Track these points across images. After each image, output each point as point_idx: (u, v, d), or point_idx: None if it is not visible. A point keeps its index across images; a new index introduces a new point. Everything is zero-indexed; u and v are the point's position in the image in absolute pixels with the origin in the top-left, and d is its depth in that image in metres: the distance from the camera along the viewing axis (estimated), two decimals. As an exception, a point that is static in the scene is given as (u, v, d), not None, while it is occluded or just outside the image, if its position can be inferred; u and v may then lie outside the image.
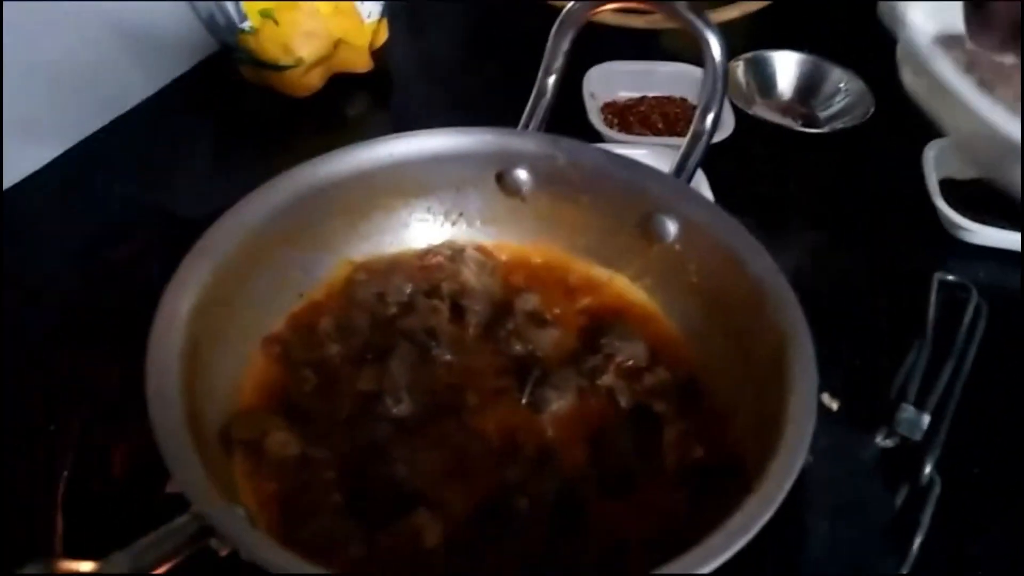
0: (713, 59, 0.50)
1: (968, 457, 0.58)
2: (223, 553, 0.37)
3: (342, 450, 0.45)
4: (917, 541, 0.52)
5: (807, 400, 0.39)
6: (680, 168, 0.52)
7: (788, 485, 0.36)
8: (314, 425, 0.46)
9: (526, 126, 0.55)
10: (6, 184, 0.67)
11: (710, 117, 0.51)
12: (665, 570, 0.34)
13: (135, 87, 0.79)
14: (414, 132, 0.53)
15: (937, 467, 0.56)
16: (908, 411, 0.60)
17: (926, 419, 0.60)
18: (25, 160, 0.69)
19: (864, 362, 0.62)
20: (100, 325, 0.56)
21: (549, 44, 0.54)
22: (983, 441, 0.59)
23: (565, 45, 0.54)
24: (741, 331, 0.47)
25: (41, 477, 0.48)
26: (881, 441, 0.57)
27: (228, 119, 0.83)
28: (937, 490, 0.55)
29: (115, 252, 0.60)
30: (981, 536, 0.55)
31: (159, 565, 0.32)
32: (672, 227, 0.51)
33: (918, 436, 0.59)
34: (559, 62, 0.54)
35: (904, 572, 0.49)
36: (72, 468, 0.47)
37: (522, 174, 0.54)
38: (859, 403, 0.58)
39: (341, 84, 0.86)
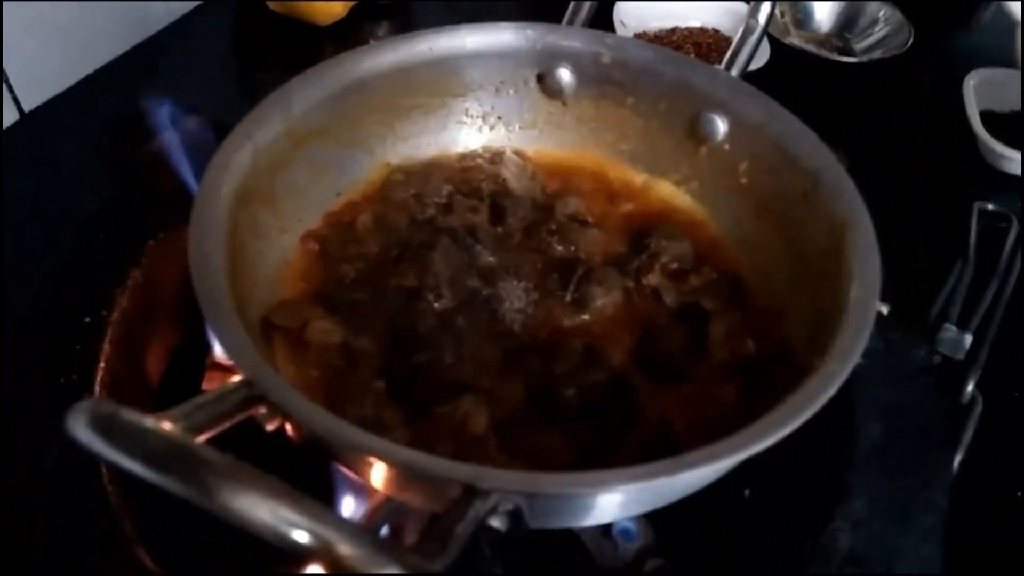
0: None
1: (1009, 378, 0.57)
2: (269, 427, 0.36)
3: (384, 339, 0.43)
4: (958, 459, 0.51)
5: (870, 283, 0.38)
6: (730, 63, 0.50)
7: (852, 364, 0.35)
8: (355, 316, 0.45)
9: (569, 24, 0.53)
10: (32, 104, 0.67)
11: (764, 8, 0.49)
12: (719, 446, 0.33)
13: (157, 12, 0.78)
14: (455, 26, 0.51)
15: (979, 386, 0.55)
16: (951, 331, 0.59)
17: (968, 339, 0.59)
18: (46, 84, 0.68)
19: (907, 281, 0.61)
20: (133, 219, 0.55)
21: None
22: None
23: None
24: (794, 228, 0.46)
25: (77, 370, 0.47)
26: (929, 357, 0.56)
27: (251, 46, 0.82)
28: (979, 409, 0.54)
29: (142, 153, 0.59)
30: (1021, 455, 0.54)
31: (208, 427, 0.31)
32: (722, 125, 0.50)
33: (960, 356, 0.58)
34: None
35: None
36: (108, 361, 0.47)
37: (565, 74, 0.53)
38: (907, 315, 0.57)
39: (364, 12, 0.85)
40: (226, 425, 0.33)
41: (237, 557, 0.38)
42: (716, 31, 0.87)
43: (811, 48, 0.86)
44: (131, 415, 0.25)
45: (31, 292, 0.53)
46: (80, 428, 0.25)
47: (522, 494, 0.31)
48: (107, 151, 0.66)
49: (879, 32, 0.88)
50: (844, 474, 0.45)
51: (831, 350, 0.36)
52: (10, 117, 0.66)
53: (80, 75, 0.71)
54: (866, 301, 0.37)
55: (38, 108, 0.68)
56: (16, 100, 0.67)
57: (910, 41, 0.85)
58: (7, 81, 0.65)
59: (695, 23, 0.88)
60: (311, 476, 0.42)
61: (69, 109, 0.69)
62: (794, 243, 0.45)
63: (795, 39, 0.87)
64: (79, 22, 0.69)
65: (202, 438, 0.31)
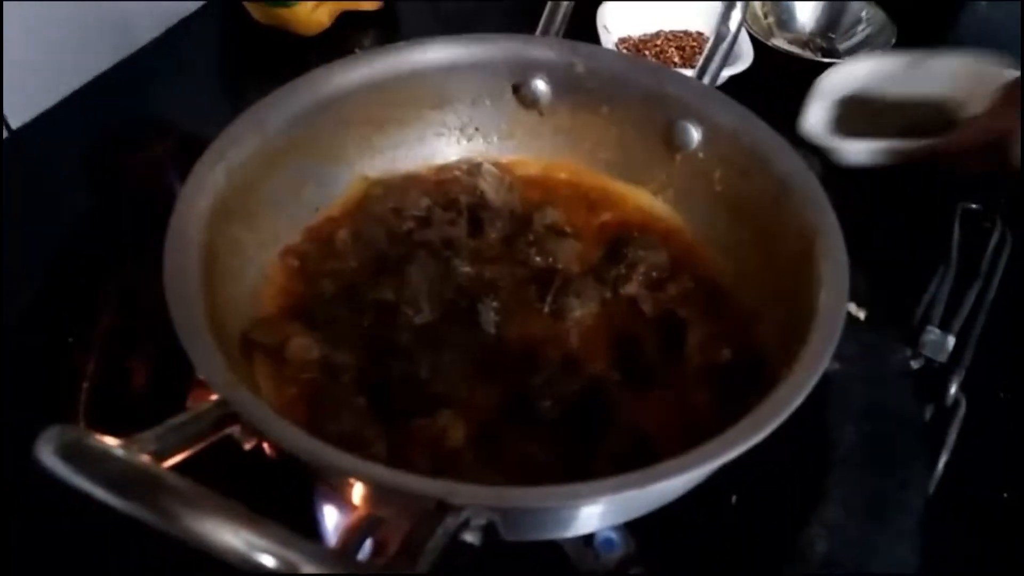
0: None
1: (993, 380, 0.58)
2: (247, 447, 0.36)
3: (363, 354, 0.44)
4: (942, 461, 0.51)
5: (838, 289, 0.38)
6: (702, 71, 0.51)
7: (819, 371, 0.36)
8: (334, 332, 0.45)
9: (543, 34, 0.53)
10: (18, 123, 0.68)
11: (735, 15, 0.49)
12: (691, 455, 0.34)
13: (143, 27, 0.78)
14: (429, 39, 0.51)
15: (962, 388, 0.56)
16: (933, 333, 0.59)
17: (951, 341, 0.59)
18: (36, 100, 0.69)
19: (889, 284, 0.62)
20: (116, 236, 0.56)
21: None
22: (1008, 364, 0.59)
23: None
24: (767, 234, 0.46)
25: (63, 390, 0.47)
26: (907, 361, 0.56)
27: (236, 58, 0.82)
28: (962, 411, 0.54)
29: (127, 164, 0.59)
30: (1006, 457, 0.54)
31: (182, 448, 0.32)
32: (696, 133, 0.50)
33: (943, 358, 0.58)
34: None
35: (929, 493, 0.48)
36: (92, 379, 0.47)
37: (540, 84, 0.53)
38: (885, 319, 0.57)
39: (349, 22, 0.85)
40: (201, 445, 0.33)
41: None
42: (700, 34, 0.88)
43: (795, 49, 0.86)
44: (97, 441, 0.26)
45: (16, 309, 0.53)
46: (47, 455, 0.25)
47: (494, 509, 0.31)
48: (93, 167, 0.66)
49: (862, 32, 0.88)
50: (821, 478, 0.45)
51: (800, 358, 0.36)
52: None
53: (67, 91, 0.72)
54: (834, 308, 0.38)
55: (25, 126, 0.68)
56: (3, 118, 0.67)
57: (893, 40, 0.85)
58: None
59: (679, 27, 0.88)
60: (294, 491, 0.43)
61: (56, 125, 0.69)
62: (768, 250, 0.46)
63: (778, 40, 0.87)
64: (66, 37, 0.70)
65: (176, 459, 0.31)
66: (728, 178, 0.49)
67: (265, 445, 0.37)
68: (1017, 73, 0.68)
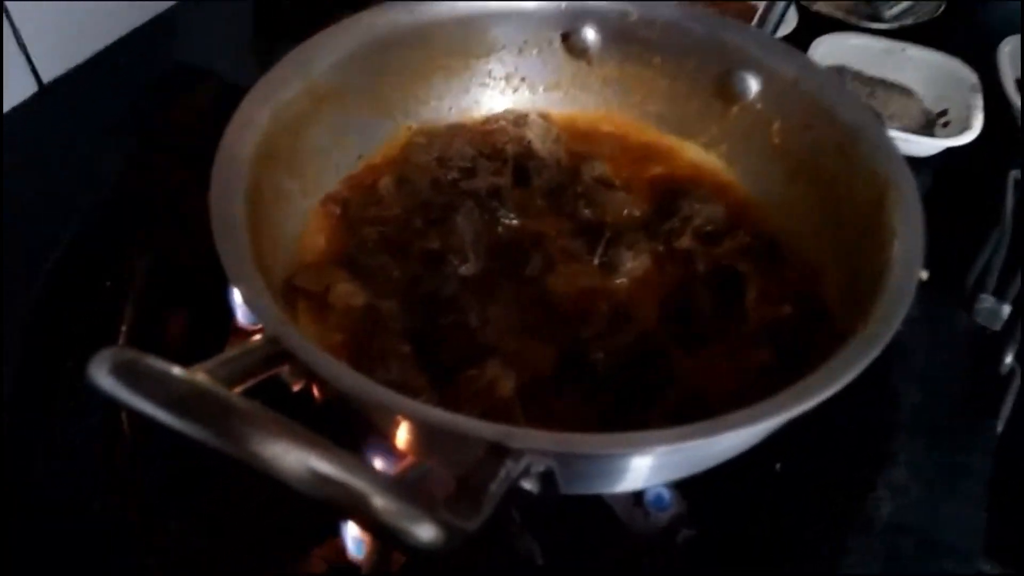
0: None
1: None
2: (295, 388, 0.35)
3: (409, 303, 0.42)
4: (998, 430, 0.49)
5: (914, 239, 0.37)
6: (761, 22, 0.49)
7: (895, 327, 0.34)
8: (378, 279, 0.44)
9: (596, -18, 0.52)
10: (49, 77, 0.67)
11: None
12: (758, 408, 0.32)
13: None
14: (477, -16, 0.50)
15: (1017, 358, 0.54)
16: (988, 301, 0.57)
17: (1006, 309, 0.57)
18: (66, 55, 0.68)
19: (941, 249, 0.60)
20: (154, 183, 0.55)
21: None
22: (1064, 333, 0.57)
23: None
24: (831, 187, 0.44)
25: (99, 335, 0.46)
26: (970, 325, 0.54)
27: (271, 13, 0.81)
28: (1017, 380, 0.53)
29: (166, 112, 0.58)
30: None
31: (234, 383, 0.30)
32: (754, 84, 0.48)
33: (997, 326, 0.56)
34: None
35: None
36: (131, 323, 0.46)
37: (590, 33, 0.51)
38: (944, 284, 0.55)
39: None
40: (251, 382, 0.32)
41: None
42: (742, -3, 0.85)
43: (839, 15, 0.83)
44: (156, 362, 0.24)
45: (54, 257, 0.52)
46: (102, 375, 0.24)
47: (554, 455, 0.30)
48: (129, 118, 0.65)
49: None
50: (884, 442, 0.43)
51: (873, 312, 0.34)
52: (29, 88, 0.65)
53: (99, 46, 0.71)
54: (910, 261, 0.36)
55: (57, 79, 0.67)
56: (35, 71, 0.66)
57: (942, 7, 0.82)
58: (26, 52, 0.65)
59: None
60: (340, 438, 0.41)
61: (91, 79, 0.68)
62: (830, 203, 0.44)
63: (823, 5, 0.85)
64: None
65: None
66: (788, 130, 0.47)
67: (314, 388, 0.35)
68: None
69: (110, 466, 0.45)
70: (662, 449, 0.31)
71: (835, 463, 0.44)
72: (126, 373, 0.24)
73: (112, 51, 0.71)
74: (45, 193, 0.59)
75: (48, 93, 0.67)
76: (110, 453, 0.46)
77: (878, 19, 0.85)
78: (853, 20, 0.83)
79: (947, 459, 0.43)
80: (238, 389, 0.31)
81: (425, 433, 0.33)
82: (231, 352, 0.31)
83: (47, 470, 0.45)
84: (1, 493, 0.43)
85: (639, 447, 0.31)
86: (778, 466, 0.46)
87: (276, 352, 0.32)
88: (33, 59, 0.66)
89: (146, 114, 0.62)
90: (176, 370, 0.25)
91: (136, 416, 0.45)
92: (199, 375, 0.26)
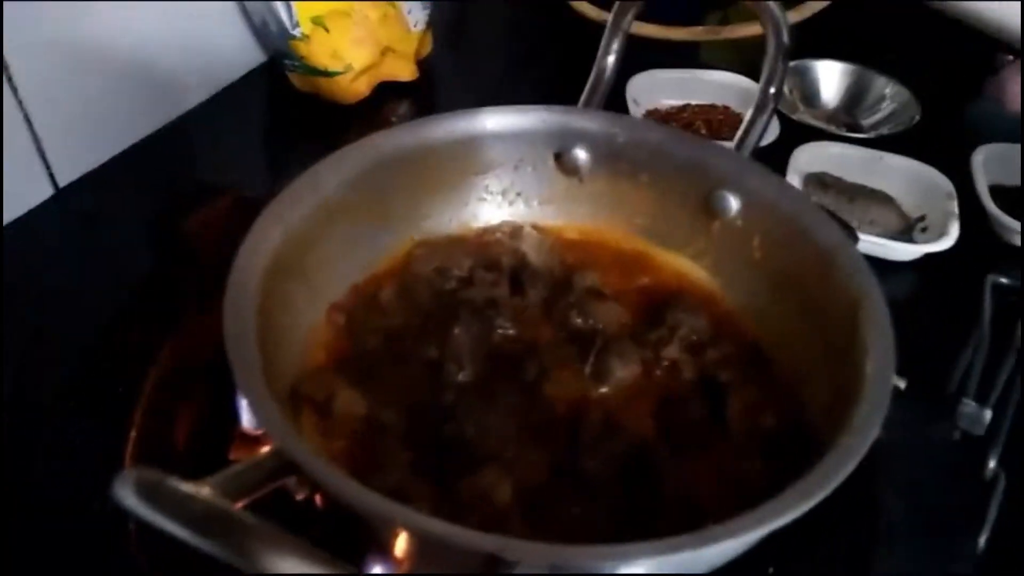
0: (775, 21, 0.50)
1: (1032, 454, 0.57)
2: (299, 497, 0.37)
3: (408, 411, 0.44)
4: (983, 538, 0.50)
5: (885, 356, 0.39)
6: (741, 143, 0.52)
7: (870, 439, 0.36)
8: (379, 388, 0.46)
9: (586, 106, 0.56)
10: (65, 182, 0.70)
11: (772, 89, 0.51)
12: (737, 522, 0.34)
13: (187, 94, 0.81)
14: (475, 110, 0.53)
15: (1001, 462, 0.55)
16: (970, 406, 0.59)
17: (988, 414, 0.58)
18: (81, 160, 0.71)
19: (921, 356, 0.62)
20: (167, 292, 0.57)
21: (609, 22, 0.55)
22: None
23: (625, 24, 0.54)
24: (809, 302, 0.47)
25: (111, 437, 0.48)
26: (951, 432, 0.56)
27: (277, 125, 0.85)
28: (1002, 485, 0.54)
29: (181, 224, 0.61)
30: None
31: (243, 495, 0.32)
32: (734, 202, 0.51)
33: (980, 431, 0.57)
34: (618, 42, 0.55)
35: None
36: (140, 428, 0.48)
37: (581, 153, 0.55)
38: (923, 391, 0.57)
39: (387, 92, 0.88)
40: (258, 494, 0.34)
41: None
42: (727, 107, 0.90)
43: (820, 124, 0.88)
44: (174, 483, 0.26)
45: (68, 363, 0.54)
46: (128, 495, 0.26)
47: (549, 566, 0.32)
48: (140, 226, 0.68)
49: (886, 108, 0.90)
50: (866, 551, 0.44)
51: (849, 425, 0.36)
52: (45, 192, 0.68)
53: (114, 152, 0.74)
54: (882, 375, 0.38)
55: (72, 183, 0.70)
56: (51, 175, 0.69)
57: (917, 117, 0.87)
58: (44, 156, 0.67)
59: (705, 100, 0.90)
60: (340, 543, 0.43)
61: (104, 184, 0.71)
62: (809, 317, 0.46)
63: (804, 115, 0.89)
64: (114, 100, 0.72)
65: (237, 506, 0.32)
66: (768, 246, 0.50)
67: (317, 496, 0.37)
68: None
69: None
70: (651, 561, 0.33)
71: (826, 570, 0.45)
72: (148, 493, 0.26)
73: (128, 155, 0.74)
74: (58, 296, 0.61)
75: (63, 197, 0.70)
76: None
77: (857, 128, 0.90)
78: (833, 129, 0.88)
79: (930, 571, 0.44)
80: (246, 501, 0.33)
81: (424, 543, 0.34)
82: (240, 465, 0.33)
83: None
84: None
85: (629, 559, 0.32)
86: (771, 570, 0.47)
87: (283, 464, 0.34)
88: (49, 162, 0.68)
89: (160, 226, 0.65)
90: (194, 490, 0.27)
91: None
92: (214, 495, 0.28)
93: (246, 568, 0.25)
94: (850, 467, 0.35)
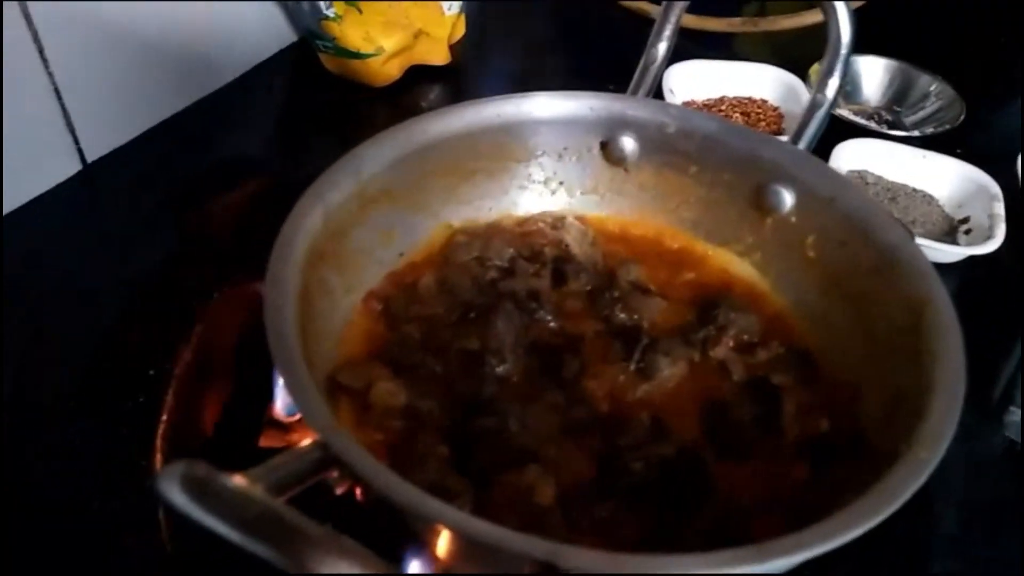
0: (835, 11, 0.48)
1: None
2: (339, 491, 0.35)
3: (448, 403, 0.43)
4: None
5: (955, 364, 0.37)
6: (797, 137, 0.50)
7: (942, 451, 0.34)
8: (418, 378, 0.44)
9: (633, 94, 0.54)
10: (93, 157, 0.69)
11: (831, 83, 0.49)
12: (808, 535, 0.32)
13: (218, 72, 0.80)
14: (523, 94, 0.52)
15: (1050, 473, 0.53)
16: (1015, 414, 0.57)
17: (1035, 423, 0.57)
18: (110, 136, 0.70)
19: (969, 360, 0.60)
20: (196, 273, 0.56)
21: (662, 8, 0.53)
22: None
23: (677, 10, 0.52)
24: (866, 304, 0.45)
25: (141, 420, 0.47)
26: (1007, 443, 0.54)
27: (306, 107, 0.84)
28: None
29: (203, 207, 0.59)
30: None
31: (285, 489, 0.31)
32: (788, 198, 0.49)
33: (1027, 440, 0.56)
34: (669, 30, 0.53)
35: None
36: (170, 414, 0.46)
37: (628, 142, 0.53)
38: (967, 398, 0.55)
39: (418, 76, 0.86)
40: (300, 488, 0.32)
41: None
42: (764, 101, 0.88)
43: (861, 121, 0.86)
44: (223, 479, 0.25)
45: (97, 344, 0.53)
46: (174, 492, 0.24)
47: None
48: (165, 204, 0.67)
49: (930, 106, 0.88)
50: (921, 565, 0.43)
51: (918, 435, 0.35)
52: (73, 167, 0.67)
53: (142, 128, 0.73)
54: (953, 384, 0.36)
55: (100, 159, 0.69)
56: (80, 150, 0.68)
57: (962, 116, 0.85)
58: (73, 130, 0.66)
59: (743, 93, 0.88)
60: (379, 538, 0.41)
61: (133, 162, 0.70)
62: (866, 319, 0.45)
63: (844, 111, 0.87)
64: (144, 77, 0.71)
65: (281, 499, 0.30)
66: (823, 245, 0.48)
67: (357, 491, 0.36)
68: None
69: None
70: (707, 573, 0.31)
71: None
72: (197, 490, 0.25)
73: (156, 133, 0.73)
74: (81, 274, 0.60)
75: (91, 172, 0.69)
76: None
77: (900, 126, 0.87)
78: (875, 126, 0.86)
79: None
80: (289, 494, 0.31)
81: (469, 545, 0.33)
82: (281, 457, 0.32)
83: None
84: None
85: (685, 571, 0.31)
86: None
87: (326, 457, 0.33)
88: (79, 137, 0.67)
89: (187, 204, 0.64)
90: (246, 487, 0.25)
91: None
92: (265, 492, 0.26)
93: (296, 570, 0.24)
94: (920, 481, 0.33)
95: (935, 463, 0.33)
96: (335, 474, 0.33)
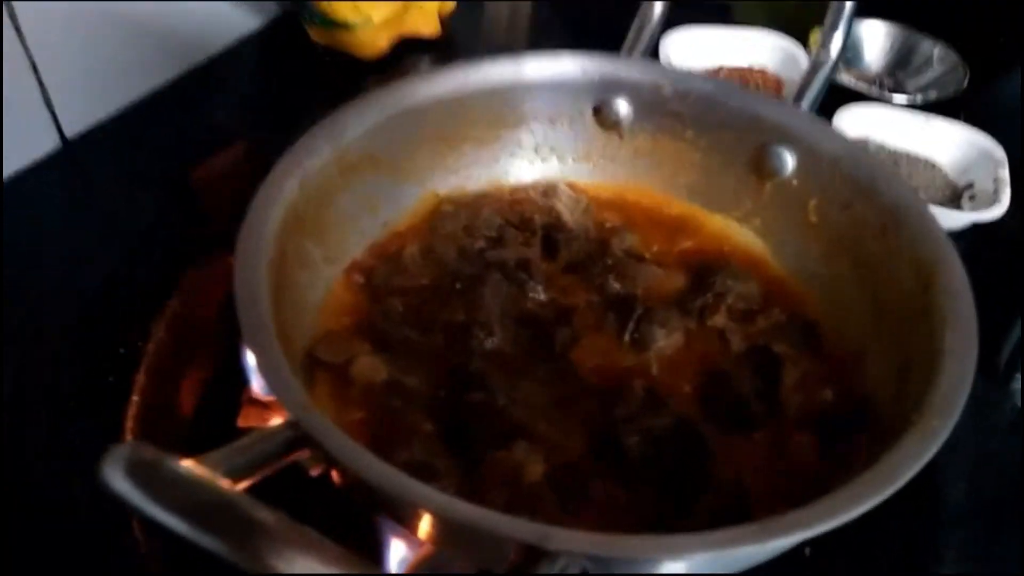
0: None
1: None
2: (314, 473, 0.33)
3: (433, 377, 0.41)
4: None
5: (967, 328, 0.35)
6: (798, 99, 0.48)
7: (954, 419, 0.32)
8: (402, 353, 0.42)
9: (628, 54, 0.51)
10: (73, 133, 0.66)
11: (834, 40, 0.47)
12: (815, 511, 0.30)
13: (204, 43, 0.77)
14: (512, 55, 0.49)
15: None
16: (1018, 381, 0.55)
17: (1042, 389, 0.55)
18: (89, 111, 0.68)
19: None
20: (172, 248, 0.54)
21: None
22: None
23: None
24: (871, 269, 0.43)
25: (110, 401, 0.45)
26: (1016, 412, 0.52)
27: (293, 79, 0.82)
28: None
29: (182, 181, 0.57)
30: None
31: (250, 473, 0.28)
32: (790, 160, 0.47)
33: (1035, 407, 0.54)
34: (664, -14, 0.50)
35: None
36: (142, 394, 0.44)
37: (622, 105, 0.51)
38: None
39: (407, 48, 0.84)
40: (268, 470, 0.30)
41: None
42: (763, 70, 0.85)
43: (862, 87, 0.83)
44: (174, 463, 0.22)
45: (66, 321, 0.51)
46: (117, 477, 0.22)
47: (594, 558, 0.28)
48: (148, 179, 0.65)
49: (933, 71, 0.86)
50: (930, 538, 0.41)
51: (929, 403, 0.33)
52: (51, 143, 0.65)
53: (123, 103, 0.70)
54: (965, 349, 0.34)
55: (80, 135, 0.67)
56: (58, 126, 0.66)
57: (965, 81, 0.82)
58: (50, 106, 0.64)
59: (742, 62, 0.86)
60: (354, 519, 0.39)
61: (114, 136, 0.68)
62: (871, 285, 0.43)
63: (845, 77, 0.84)
64: (125, 50, 0.69)
65: (242, 485, 0.28)
66: (826, 208, 0.46)
67: (333, 472, 0.34)
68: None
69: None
70: (708, 554, 0.29)
71: (880, 561, 0.41)
72: (142, 476, 0.22)
73: (139, 107, 0.71)
74: (59, 249, 0.58)
75: (70, 148, 0.67)
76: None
77: (902, 91, 0.85)
78: (876, 92, 0.83)
79: (1003, 561, 0.40)
80: (256, 477, 0.29)
81: (455, 527, 0.31)
82: (248, 439, 0.29)
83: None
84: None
85: (684, 552, 0.29)
86: (807, 551, 0.44)
87: (296, 438, 0.31)
88: (56, 113, 0.65)
89: (166, 175, 0.62)
90: (195, 473, 0.23)
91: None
92: (219, 478, 0.24)
93: (249, 568, 0.21)
94: (932, 451, 0.31)
95: (948, 431, 0.31)
96: (307, 455, 0.31)
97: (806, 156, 0.46)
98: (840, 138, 0.45)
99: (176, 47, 0.75)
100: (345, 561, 0.22)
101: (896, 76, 0.88)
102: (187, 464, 0.24)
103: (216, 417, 0.47)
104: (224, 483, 0.24)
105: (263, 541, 0.21)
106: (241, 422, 0.46)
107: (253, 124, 0.74)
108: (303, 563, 0.21)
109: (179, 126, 0.71)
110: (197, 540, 0.22)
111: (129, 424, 0.43)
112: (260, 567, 0.21)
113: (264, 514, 0.22)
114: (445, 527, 0.31)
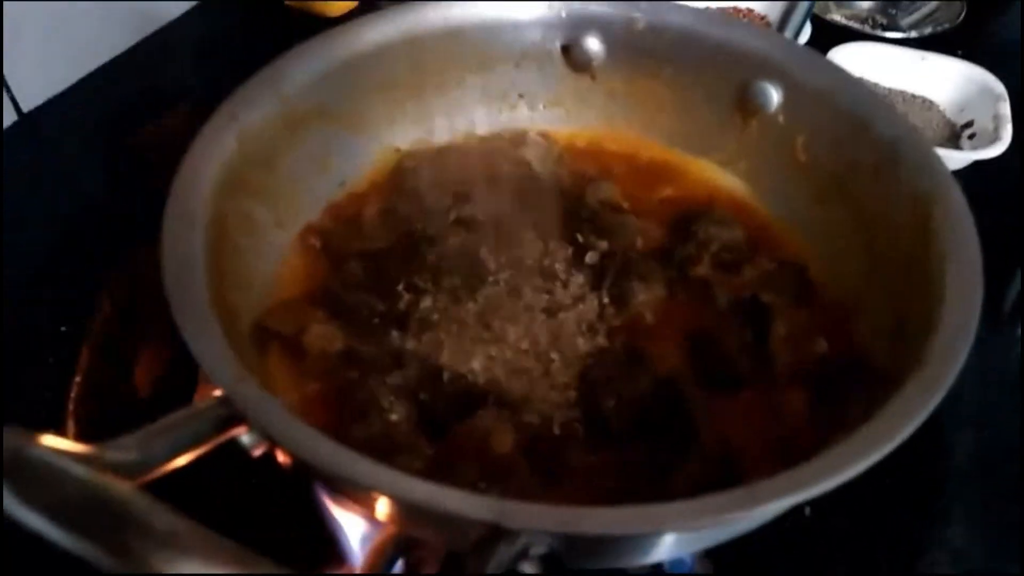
0: None
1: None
2: (255, 453, 0.30)
3: (394, 346, 0.38)
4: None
5: (970, 264, 0.32)
6: (781, 26, 0.44)
7: (958, 366, 0.29)
8: (361, 320, 0.39)
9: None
10: (47, 96, 0.64)
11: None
12: (804, 473, 0.27)
13: (161, 6, 0.74)
14: (470, -7, 0.45)
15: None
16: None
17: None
18: (47, 82, 0.65)
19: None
20: (122, 218, 0.50)
21: None
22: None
23: None
24: (865, 208, 0.40)
25: (50, 382, 0.42)
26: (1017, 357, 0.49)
27: (259, 39, 0.78)
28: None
29: (136, 137, 0.53)
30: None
31: (174, 456, 0.25)
32: (775, 94, 0.44)
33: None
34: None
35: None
36: (86, 374, 0.41)
37: (593, 43, 0.47)
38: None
39: (374, 3, 0.79)
40: (197, 452, 0.27)
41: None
42: (750, 10, 0.81)
43: (855, 24, 0.80)
44: (48, 452, 0.19)
45: (12, 296, 0.48)
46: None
47: (558, 535, 0.25)
48: (103, 142, 0.61)
49: (928, 6, 0.82)
50: (936, 494, 0.38)
51: (930, 350, 0.30)
52: (8, 118, 0.62)
53: (84, 72, 0.67)
54: (968, 290, 0.31)
55: (37, 108, 0.64)
56: (14, 100, 0.63)
57: (962, 14, 0.78)
58: (4, 82, 0.61)
59: (727, 3, 0.81)
60: (308, 502, 0.37)
61: (71, 107, 0.65)
62: (866, 226, 0.39)
63: (837, 15, 0.81)
64: (82, 18, 0.65)
65: (166, 468, 0.25)
66: (815, 146, 0.42)
67: (277, 452, 0.30)
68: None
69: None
70: (687, 526, 0.26)
71: (882, 518, 0.39)
72: (11, 468, 0.19)
73: (99, 75, 0.67)
74: (16, 225, 0.55)
75: (28, 121, 0.63)
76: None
77: (896, 28, 0.81)
78: (869, 29, 0.79)
79: (1010, 515, 0.37)
80: (181, 462, 0.26)
81: (407, 509, 0.28)
82: (170, 418, 0.26)
83: None
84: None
85: (659, 526, 0.26)
86: (807, 510, 0.41)
87: (230, 415, 0.27)
88: (11, 86, 0.62)
89: (116, 139, 0.58)
90: (74, 463, 0.20)
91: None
92: (103, 470, 0.21)
93: (125, 571, 0.18)
94: (935, 401, 0.28)
95: (951, 379, 0.28)
96: (245, 432, 0.28)
97: (791, 90, 0.43)
98: (828, 69, 0.42)
99: (134, 10, 0.71)
100: (238, 560, 0.18)
101: (889, 12, 0.84)
102: (70, 449, 0.20)
103: (178, 398, 0.44)
104: (108, 477, 0.21)
105: (139, 545, 0.18)
106: (198, 399, 0.43)
107: (217, 86, 0.70)
108: (186, 564, 0.18)
109: (140, 93, 0.68)
110: (63, 544, 0.18)
111: (71, 408, 0.40)
112: (139, 569, 0.18)
113: (146, 510, 0.19)
114: (398, 507, 0.28)
